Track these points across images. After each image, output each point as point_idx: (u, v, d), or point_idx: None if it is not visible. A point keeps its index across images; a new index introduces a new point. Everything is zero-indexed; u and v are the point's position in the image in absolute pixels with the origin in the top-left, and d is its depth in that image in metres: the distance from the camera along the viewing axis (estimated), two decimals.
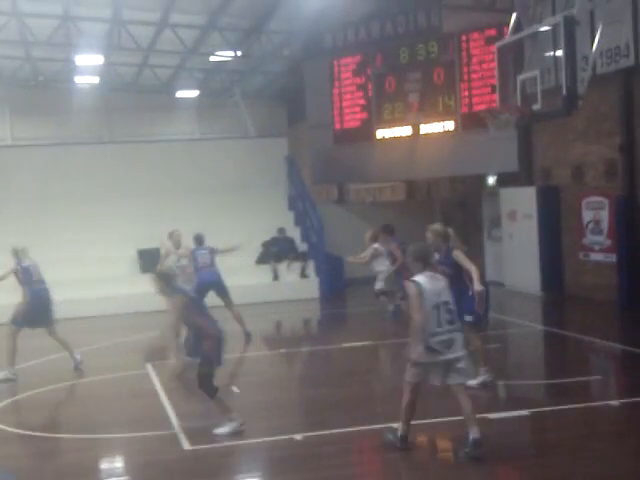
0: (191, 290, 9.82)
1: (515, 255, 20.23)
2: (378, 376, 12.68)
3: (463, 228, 23.49)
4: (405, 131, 21.60)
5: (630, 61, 15.84)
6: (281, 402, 11.14)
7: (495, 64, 16.41)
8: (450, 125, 20.72)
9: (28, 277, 13.47)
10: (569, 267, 18.94)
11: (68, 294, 19.06)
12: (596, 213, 17.77)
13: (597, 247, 17.84)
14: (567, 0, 15.87)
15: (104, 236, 21.85)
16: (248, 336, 15.53)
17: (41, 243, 21.22)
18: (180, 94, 29.22)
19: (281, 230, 22.70)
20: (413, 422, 8.72)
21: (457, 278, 10.48)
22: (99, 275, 20.54)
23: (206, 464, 8.64)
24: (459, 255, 10.57)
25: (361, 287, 20.29)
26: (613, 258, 17.23)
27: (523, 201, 19.73)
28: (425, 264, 8.51)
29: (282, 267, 22.06)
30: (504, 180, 21.15)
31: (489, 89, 19.08)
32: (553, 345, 14.65)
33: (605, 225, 17.54)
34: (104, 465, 9.08)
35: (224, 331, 9.64)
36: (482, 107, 18.92)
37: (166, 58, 25.97)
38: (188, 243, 16.33)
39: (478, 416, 9.29)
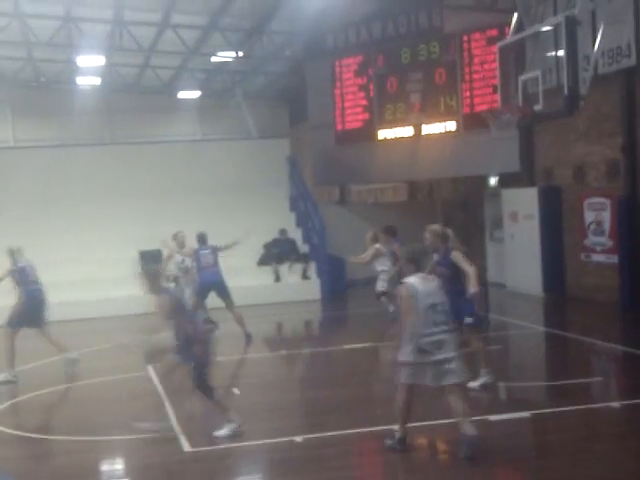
0: (177, 291, 9.73)
1: (517, 256, 20.20)
2: (379, 378, 12.65)
3: (465, 229, 23.48)
4: (407, 132, 21.57)
5: (632, 61, 15.80)
6: (282, 404, 11.12)
7: (497, 64, 16.40)
8: (452, 125, 20.70)
9: (24, 277, 13.46)
10: (571, 268, 18.91)
11: (69, 295, 19.09)
12: (598, 214, 17.73)
13: (599, 248, 17.80)
14: (568, 0, 15.85)
15: (105, 237, 21.85)
16: (249, 337, 15.52)
17: (42, 244, 21.25)
18: (182, 95, 29.20)
19: (282, 231, 22.69)
20: (413, 424, 8.71)
21: (455, 279, 10.45)
22: (100, 276, 20.53)
23: (206, 466, 8.64)
24: (457, 256, 10.54)
25: (362, 288, 20.28)
26: (615, 259, 17.19)
27: (525, 202, 19.70)
28: (418, 266, 8.54)
29: (283, 268, 22.05)
30: (506, 181, 21.13)
31: (491, 89, 19.04)
32: (554, 346, 14.62)
33: (607, 226, 17.51)
34: (104, 467, 9.08)
35: (210, 332, 9.62)
36: (484, 107, 18.89)
37: (167, 59, 25.96)
38: (192, 244, 16.33)
39: (479, 418, 9.30)
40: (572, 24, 13.94)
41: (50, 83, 28.65)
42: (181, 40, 22.82)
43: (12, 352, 13.17)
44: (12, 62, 26.69)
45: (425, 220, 21.41)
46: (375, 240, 16.38)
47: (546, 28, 15.23)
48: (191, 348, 9.25)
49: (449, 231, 10.98)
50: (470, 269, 10.39)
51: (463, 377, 8.57)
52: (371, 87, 22.26)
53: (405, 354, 8.30)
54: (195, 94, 29.17)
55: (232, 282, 16.08)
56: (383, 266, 16.21)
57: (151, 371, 13.00)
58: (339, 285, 22.17)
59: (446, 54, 20.72)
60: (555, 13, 16.66)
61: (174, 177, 24.44)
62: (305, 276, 22.07)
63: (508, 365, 13.29)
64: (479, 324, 10.93)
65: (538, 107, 14.68)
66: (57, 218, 22.61)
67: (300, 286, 21.72)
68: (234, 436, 9.23)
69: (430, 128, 21.12)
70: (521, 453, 8.62)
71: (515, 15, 16.61)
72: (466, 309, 10.52)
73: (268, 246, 22.52)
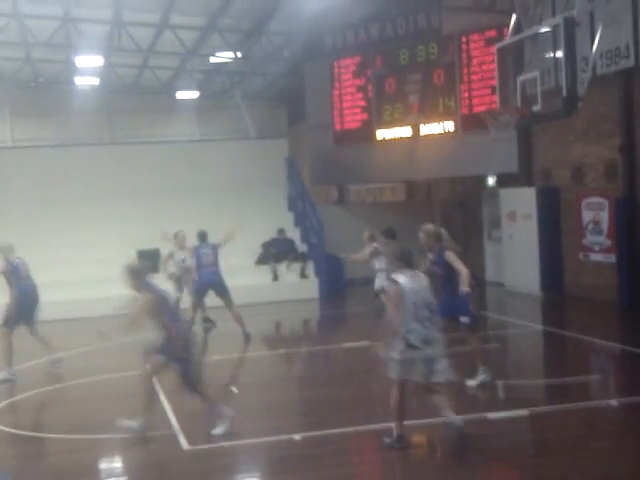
0: (161, 289, 9.67)
1: (515, 256, 20.23)
2: (377, 376, 12.66)
3: (463, 229, 23.55)
4: (405, 132, 21.61)
5: (630, 62, 15.84)
6: (280, 402, 11.15)
7: (495, 65, 16.43)
8: (450, 126, 20.73)
9: (16, 274, 13.44)
10: (569, 267, 18.94)
11: (68, 295, 19.10)
12: (596, 214, 17.77)
13: (597, 247, 17.84)
14: (567, 1, 15.87)
15: (104, 237, 21.85)
16: (247, 337, 15.53)
17: (41, 244, 21.28)
18: (180, 95, 29.23)
19: (281, 231, 22.71)
20: (412, 422, 8.74)
21: (450, 279, 10.47)
22: (99, 276, 20.52)
23: (205, 464, 8.66)
24: (451, 256, 10.56)
25: (361, 287, 20.29)
26: (613, 258, 17.23)
27: (523, 202, 19.73)
28: (406, 263, 8.63)
29: (282, 268, 22.06)
30: (504, 181, 21.16)
31: (489, 90, 19.09)
32: (553, 345, 14.64)
33: (605, 226, 17.54)
34: (103, 465, 9.09)
35: (192, 332, 9.61)
36: (482, 108, 18.92)
37: (166, 59, 25.98)
38: (192, 243, 16.35)
39: (477, 415, 9.36)
40: (570, 25, 13.96)
41: (49, 83, 28.68)
42: (180, 41, 22.85)
43: (10, 351, 13.18)
44: (11, 62, 26.71)
45: (423, 220, 21.41)
46: (372, 240, 16.38)
47: (544, 29, 15.26)
48: (174, 348, 9.26)
49: (443, 231, 11.01)
50: (462, 269, 10.40)
51: (450, 377, 8.66)
52: (369, 88, 22.30)
53: (397, 350, 8.38)
54: (194, 95, 29.21)
55: (230, 281, 16.09)
56: (381, 263, 16.22)
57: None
58: (337, 284, 22.20)
59: (444, 55, 20.75)
60: (553, 14, 16.71)
61: (173, 177, 24.44)
62: (303, 275, 22.09)
63: (506, 363, 13.32)
64: (475, 323, 10.96)
65: (536, 108, 14.71)
66: (56, 218, 22.60)
67: (298, 285, 21.74)
68: (230, 433, 9.22)
69: (428, 129, 21.16)
70: (519, 451, 8.66)
71: (513, 16, 16.64)
72: (461, 308, 10.56)
73: (266, 245, 22.54)
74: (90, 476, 8.67)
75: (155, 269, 21.52)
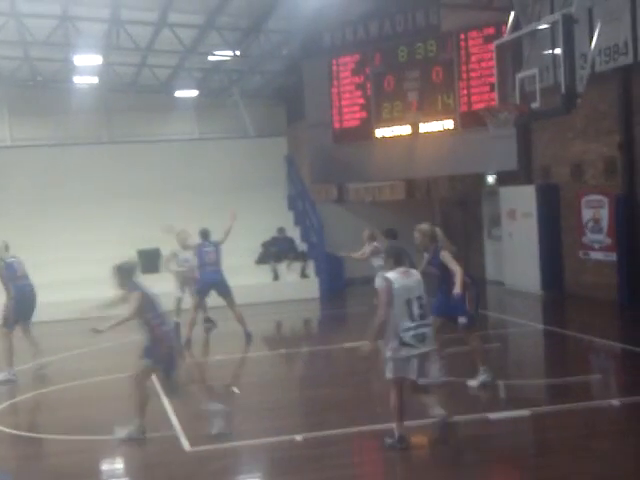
0: (149, 290, 9.62)
1: (515, 254, 20.22)
2: (379, 376, 12.64)
3: (463, 227, 23.55)
4: (404, 130, 21.58)
5: (629, 59, 15.82)
6: (282, 403, 11.14)
7: (494, 62, 16.42)
8: (449, 124, 20.71)
9: (12, 273, 13.37)
10: (569, 266, 18.93)
11: (67, 295, 19.06)
12: (596, 211, 17.75)
13: (597, 245, 17.82)
14: None
15: (103, 237, 21.84)
16: (249, 337, 15.53)
17: (40, 243, 21.30)
18: (179, 94, 29.18)
19: (281, 230, 22.70)
20: (414, 422, 8.73)
21: (445, 279, 10.44)
22: (98, 276, 20.44)
23: (207, 465, 8.64)
24: (445, 256, 10.52)
25: (361, 287, 20.28)
26: (613, 257, 17.21)
27: (523, 200, 19.71)
28: (398, 260, 8.67)
29: (282, 267, 22.06)
30: (503, 179, 21.14)
31: (488, 87, 19.07)
32: (553, 344, 14.64)
33: (605, 223, 17.52)
34: (104, 467, 9.09)
35: (177, 337, 9.59)
36: (481, 106, 18.89)
37: (165, 58, 25.93)
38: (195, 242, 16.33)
39: (478, 416, 9.35)
40: (569, 22, 13.95)
41: (47, 82, 28.61)
42: (178, 39, 22.80)
43: (10, 351, 13.16)
44: (9, 61, 26.65)
45: (423, 218, 21.43)
46: (372, 238, 16.37)
47: (543, 26, 15.25)
48: (158, 351, 9.24)
49: (438, 230, 10.98)
50: (458, 269, 10.36)
51: (440, 378, 8.72)
52: (368, 86, 22.28)
53: (392, 349, 8.42)
54: (192, 93, 29.15)
55: (230, 281, 16.06)
56: (381, 261, 16.19)
57: None
58: (337, 283, 22.19)
59: (443, 52, 20.73)
60: (552, 11, 16.70)
61: (172, 176, 24.43)
62: (303, 274, 22.08)
63: (507, 363, 13.31)
64: (473, 323, 10.92)
65: (535, 105, 14.70)
66: (54, 217, 22.59)
67: (299, 284, 21.73)
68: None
69: (427, 126, 21.14)
70: (520, 451, 8.66)
71: (512, 13, 16.62)
72: (458, 309, 10.53)
73: (266, 245, 22.52)
74: (91, 477, 8.66)
75: (155, 269, 21.62)
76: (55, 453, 9.49)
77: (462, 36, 20.26)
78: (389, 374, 8.54)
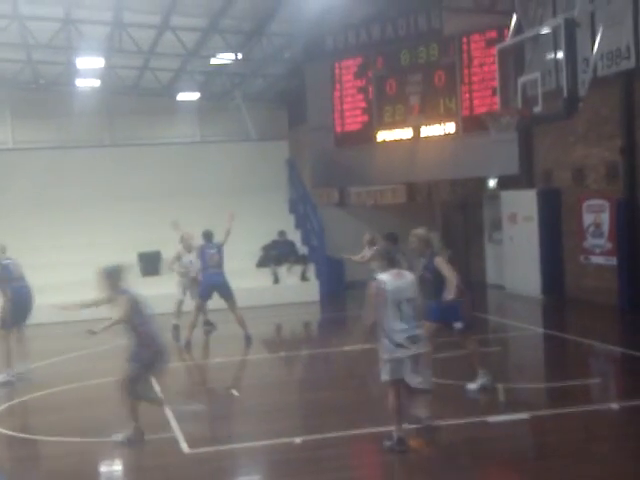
0: (136, 293, 9.61)
1: (516, 258, 20.20)
2: (378, 379, 12.63)
3: (464, 231, 23.55)
4: (406, 134, 21.59)
5: (631, 63, 15.81)
6: (281, 405, 11.11)
7: (496, 66, 16.43)
8: (451, 128, 20.71)
9: (8, 275, 13.34)
10: (570, 270, 18.91)
11: (67, 298, 19.00)
12: (597, 216, 17.74)
13: (598, 250, 17.80)
14: (568, 2, 15.88)
15: (104, 239, 21.82)
16: (249, 339, 15.51)
17: (40, 246, 21.29)
18: (181, 97, 29.24)
19: (282, 233, 22.70)
20: (413, 425, 8.71)
21: (440, 284, 10.39)
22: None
23: (205, 467, 8.62)
24: (440, 262, 10.49)
25: (361, 290, 20.19)
26: (614, 261, 17.19)
27: (524, 204, 19.70)
28: (391, 262, 8.69)
29: (282, 270, 22.05)
30: (505, 183, 21.14)
31: (490, 91, 19.07)
32: (553, 348, 14.61)
33: (606, 228, 17.51)
34: (103, 468, 9.08)
35: (163, 342, 9.57)
36: (483, 110, 18.92)
37: (167, 61, 25.98)
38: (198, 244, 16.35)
39: (477, 419, 9.34)
40: (571, 26, 13.97)
41: (49, 85, 28.68)
42: (180, 42, 22.84)
43: (8, 353, 13.14)
44: (12, 64, 26.72)
45: (424, 222, 21.39)
46: (372, 243, 16.35)
47: (545, 30, 15.26)
48: (145, 352, 9.23)
49: (434, 235, 10.97)
50: (450, 276, 10.34)
51: (427, 386, 8.79)
52: (370, 89, 22.28)
53: (386, 351, 8.46)
54: (194, 96, 29.22)
55: (231, 284, 16.06)
56: None
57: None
58: (338, 287, 22.17)
59: (445, 56, 20.74)
60: (554, 15, 16.72)
61: (173, 179, 24.44)
62: (304, 278, 22.07)
63: (507, 367, 13.29)
64: (469, 328, 10.88)
65: (537, 109, 14.71)
66: (55, 220, 22.58)
67: (299, 288, 21.72)
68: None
69: (429, 130, 21.14)
70: (520, 454, 8.63)
71: (514, 17, 16.66)
72: (452, 314, 10.51)
73: (267, 248, 22.52)
74: (90, 479, 8.65)
75: (156, 271, 21.63)
76: (53, 455, 9.46)
77: (464, 40, 20.27)
78: (386, 376, 8.55)
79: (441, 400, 10.55)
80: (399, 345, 8.38)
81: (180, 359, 15.44)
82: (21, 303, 13.36)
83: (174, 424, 9.90)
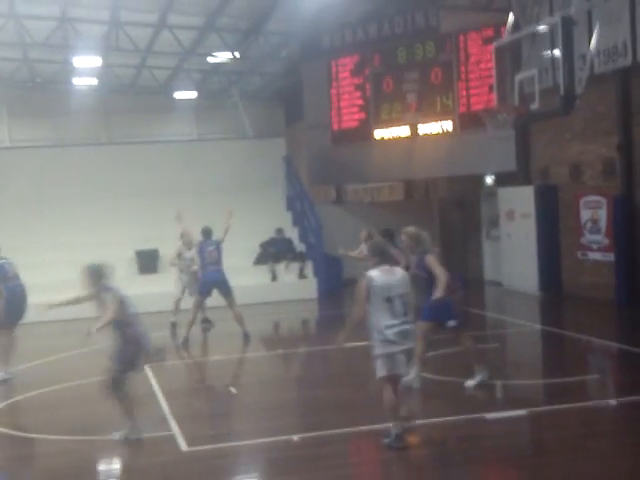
0: (121, 292, 9.59)
1: (513, 254, 20.23)
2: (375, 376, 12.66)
3: (461, 228, 23.57)
4: (403, 131, 21.58)
5: (627, 61, 15.83)
6: (279, 403, 11.13)
7: (493, 64, 16.44)
8: (448, 125, 20.70)
9: (3, 274, 13.33)
10: (567, 266, 18.94)
11: (66, 296, 19.05)
12: (594, 212, 17.77)
13: (595, 246, 17.84)
14: (564, 0, 15.88)
15: (102, 237, 21.83)
16: (247, 337, 15.53)
17: (38, 245, 21.30)
18: (178, 95, 29.18)
19: (279, 230, 22.71)
20: (411, 422, 8.74)
21: (432, 282, 10.40)
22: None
23: (204, 465, 8.63)
24: (431, 260, 10.51)
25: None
26: (611, 257, 17.23)
27: (521, 200, 19.73)
28: (381, 258, 8.75)
29: (280, 267, 22.06)
30: (502, 180, 21.16)
31: (487, 89, 19.07)
32: (551, 344, 14.64)
33: (603, 224, 17.54)
34: (101, 467, 9.09)
35: (147, 343, 9.56)
36: (480, 107, 18.92)
37: (164, 59, 25.92)
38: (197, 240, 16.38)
39: (475, 416, 9.35)
40: (568, 24, 13.99)
41: (46, 84, 28.61)
42: (177, 41, 22.80)
43: (6, 351, 13.16)
44: (8, 63, 26.65)
45: (422, 219, 21.50)
46: (369, 238, 16.34)
47: (542, 28, 15.28)
48: (129, 351, 9.23)
49: (424, 234, 10.94)
50: (440, 274, 10.36)
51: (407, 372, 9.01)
52: (367, 87, 22.28)
53: (377, 347, 8.53)
54: (191, 94, 29.15)
55: (229, 281, 16.08)
56: None
57: (148, 370, 13.03)
58: (335, 284, 22.18)
59: (442, 54, 20.73)
60: (551, 13, 16.73)
61: (170, 177, 24.43)
62: (302, 275, 22.09)
63: (505, 363, 13.32)
64: (462, 325, 10.88)
65: (534, 106, 14.73)
66: (53, 218, 22.58)
67: (297, 285, 21.74)
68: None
69: (426, 128, 21.13)
70: (518, 451, 8.66)
71: (511, 15, 16.66)
72: (445, 313, 10.52)
73: (264, 245, 22.53)
74: (88, 478, 8.66)
75: (154, 269, 21.65)
76: (52, 453, 9.45)
77: (461, 37, 20.26)
78: (381, 372, 8.59)
79: (439, 397, 10.60)
80: (390, 341, 8.44)
81: (178, 357, 15.47)
82: (15, 303, 13.36)
83: (172, 422, 9.92)
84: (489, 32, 19.43)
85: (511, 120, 15.53)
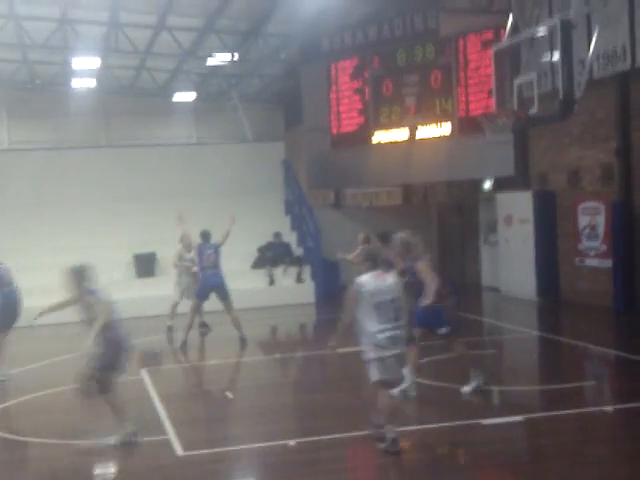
0: (104, 294, 9.57)
1: (511, 260, 20.20)
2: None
3: (460, 233, 23.55)
4: (402, 135, 21.56)
5: (626, 65, 15.83)
6: (275, 407, 11.10)
7: (492, 68, 16.44)
8: (447, 129, 20.69)
9: None
10: (565, 272, 18.91)
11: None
12: (592, 218, 17.75)
13: (593, 252, 17.81)
14: (563, 3, 15.88)
15: (100, 240, 21.80)
16: (243, 341, 15.49)
17: (37, 247, 21.26)
18: (177, 97, 29.18)
19: (277, 235, 22.67)
20: (408, 428, 8.71)
21: (422, 288, 10.37)
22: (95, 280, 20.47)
23: (200, 470, 8.60)
24: (421, 266, 10.49)
25: None
26: (609, 263, 17.20)
27: (519, 206, 19.71)
28: (374, 263, 8.79)
29: (278, 272, 22.03)
30: (500, 185, 21.14)
31: (486, 93, 19.05)
32: (548, 351, 14.61)
33: (601, 230, 17.52)
34: (97, 471, 9.05)
35: (129, 347, 9.54)
36: (479, 111, 18.90)
37: (163, 61, 25.93)
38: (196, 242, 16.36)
39: (472, 422, 9.32)
40: (567, 27, 13.99)
41: (45, 85, 28.62)
42: (177, 42, 22.80)
43: (1, 354, 13.14)
44: (7, 64, 26.66)
45: (420, 224, 21.47)
46: (367, 242, 16.31)
47: (541, 32, 15.26)
48: (109, 354, 9.20)
49: (416, 239, 10.91)
50: (430, 281, 10.32)
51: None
52: (366, 90, 22.25)
53: (367, 352, 8.59)
54: (191, 97, 29.16)
55: (227, 285, 16.05)
56: None
57: (145, 374, 13.01)
58: (333, 288, 22.11)
59: (442, 57, 20.71)
60: (550, 16, 16.71)
61: (169, 180, 24.40)
62: (299, 279, 22.05)
63: (502, 369, 13.29)
64: (454, 332, 10.82)
65: (533, 111, 14.71)
66: (51, 221, 22.54)
67: (294, 289, 21.71)
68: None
69: (425, 131, 21.11)
70: (515, 457, 8.64)
71: (510, 18, 16.65)
72: (436, 320, 10.49)
73: (262, 249, 22.50)
74: None
75: (151, 273, 21.63)
76: (46, 457, 9.41)
77: (460, 41, 20.25)
78: (376, 376, 8.60)
79: (435, 403, 10.57)
80: (379, 346, 8.48)
81: (175, 361, 15.45)
82: (10, 308, 13.35)
83: (168, 426, 9.89)
84: (489, 35, 19.42)
85: (510, 124, 15.52)
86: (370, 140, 22.13)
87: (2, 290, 13.32)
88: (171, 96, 28.99)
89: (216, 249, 15.76)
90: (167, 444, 9.24)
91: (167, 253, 19.31)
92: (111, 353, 9.25)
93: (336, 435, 9.26)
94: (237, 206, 23.30)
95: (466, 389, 10.69)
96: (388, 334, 8.48)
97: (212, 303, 16.22)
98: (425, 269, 10.41)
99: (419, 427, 9.51)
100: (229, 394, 11.86)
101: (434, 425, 9.47)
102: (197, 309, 16.18)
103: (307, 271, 22.20)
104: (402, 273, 10.48)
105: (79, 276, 9.47)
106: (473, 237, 22.73)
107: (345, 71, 22.63)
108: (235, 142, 28.26)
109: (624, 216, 16.81)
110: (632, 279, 16.71)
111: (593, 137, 17.65)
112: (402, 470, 8.48)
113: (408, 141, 21.42)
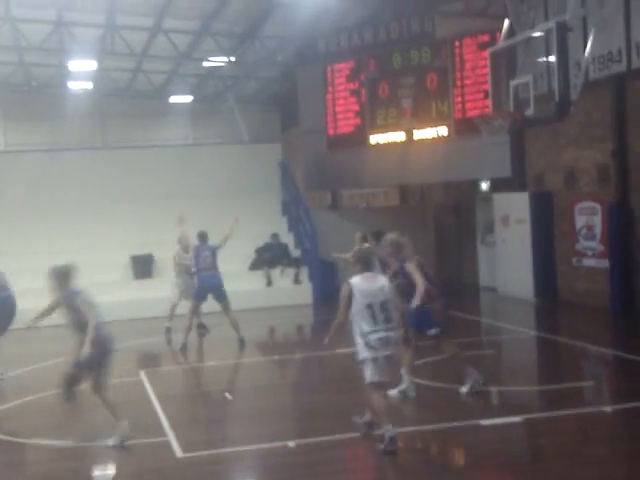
0: (88, 295, 9.59)
1: (508, 260, 20.23)
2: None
3: (457, 233, 23.58)
4: (398, 136, 21.60)
5: (622, 67, 15.88)
6: (274, 409, 11.11)
7: (488, 70, 16.48)
8: (443, 130, 20.73)
9: None
10: (562, 273, 18.95)
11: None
12: (589, 218, 17.79)
13: (590, 253, 17.85)
14: (559, 6, 15.93)
15: (97, 242, 21.82)
16: (242, 342, 15.51)
17: (33, 249, 21.24)
18: (174, 99, 29.18)
19: (274, 236, 22.69)
20: (407, 429, 8.73)
21: (411, 290, 10.39)
22: (92, 281, 20.37)
23: (199, 472, 8.61)
24: (410, 267, 10.52)
25: None
26: (606, 264, 17.23)
27: (516, 206, 19.74)
28: (365, 266, 8.86)
29: (275, 273, 22.04)
30: (497, 185, 21.18)
31: (482, 95, 19.10)
32: (546, 351, 14.65)
33: (598, 230, 17.56)
34: (95, 472, 9.07)
35: (113, 348, 9.55)
36: (475, 113, 18.95)
37: (159, 63, 25.92)
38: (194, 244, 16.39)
39: (471, 422, 9.34)
40: (563, 30, 14.02)
41: (42, 87, 28.58)
42: (173, 45, 22.79)
43: None
44: (3, 66, 26.62)
45: (417, 225, 21.51)
46: (364, 241, 16.32)
47: (537, 34, 15.31)
48: (95, 354, 9.19)
49: (405, 240, 10.94)
50: (419, 282, 10.34)
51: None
52: (363, 92, 22.29)
53: (360, 353, 8.68)
54: (187, 99, 29.16)
55: (224, 286, 16.06)
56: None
57: (143, 376, 13.03)
58: (331, 289, 22.09)
59: (438, 59, 20.77)
60: (546, 19, 16.76)
61: (166, 182, 24.42)
62: (297, 281, 22.06)
63: (500, 369, 13.31)
64: (443, 333, 10.83)
65: (529, 112, 14.76)
66: (48, 223, 22.54)
67: (292, 291, 21.71)
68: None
69: (422, 133, 21.16)
70: (514, 457, 8.66)
71: (506, 21, 16.69)
72: (425, 321, 10.51)
73: (260, 251, 22.51)
74: None
75: (148, 274, 21.63)
76: (46, 459, 9.43)
77: (457, 43, 20.30)
78: (370, 378, 8.66)
79: (434, 403, 10.59)
80: (371, 347, 8.56)
81: (174, 362, 15.46)
82: (5, 312, 13.36)
83: (167, 428, 9.89)
84: (484, 38, 19.49)
85: (506, 126, 15.56)
86: (367, 141, 22.16)
87: None
88: (167, 98, 29.00)
89: (213, 251, 15.78)
90: (166, 446, 9.25)
91: (164, 254, 19.33)
92: (97, 353, 9.24)
93: (335, 436, 9.26)
94: (234, 207, 23.27)
95: (463, 389, 10.71)
96: (379, 335, 8.57)
97: (210, 304, 16.23)
98: (414, 270, 10.45)
99: (418, 428, 9.53)
100: (228, 395, 11.87)
101: (433, 426, 9.49)
102: (195, 310, 16.19)
103: (304, 272, 22.22)
104: (395, 274, 10.53)
105: (63, 276, 9.45)
106: (470, 238, 22.76)
107: (341, 73, 22.67)
108: (232, 143, 28.27)
109: (621, 216, 16.85)
110: (629, 280, 16.74)
111: (589, 138, 17.69)
112: (402, 471, 8.49)
113: (405, 142, 21.46)
